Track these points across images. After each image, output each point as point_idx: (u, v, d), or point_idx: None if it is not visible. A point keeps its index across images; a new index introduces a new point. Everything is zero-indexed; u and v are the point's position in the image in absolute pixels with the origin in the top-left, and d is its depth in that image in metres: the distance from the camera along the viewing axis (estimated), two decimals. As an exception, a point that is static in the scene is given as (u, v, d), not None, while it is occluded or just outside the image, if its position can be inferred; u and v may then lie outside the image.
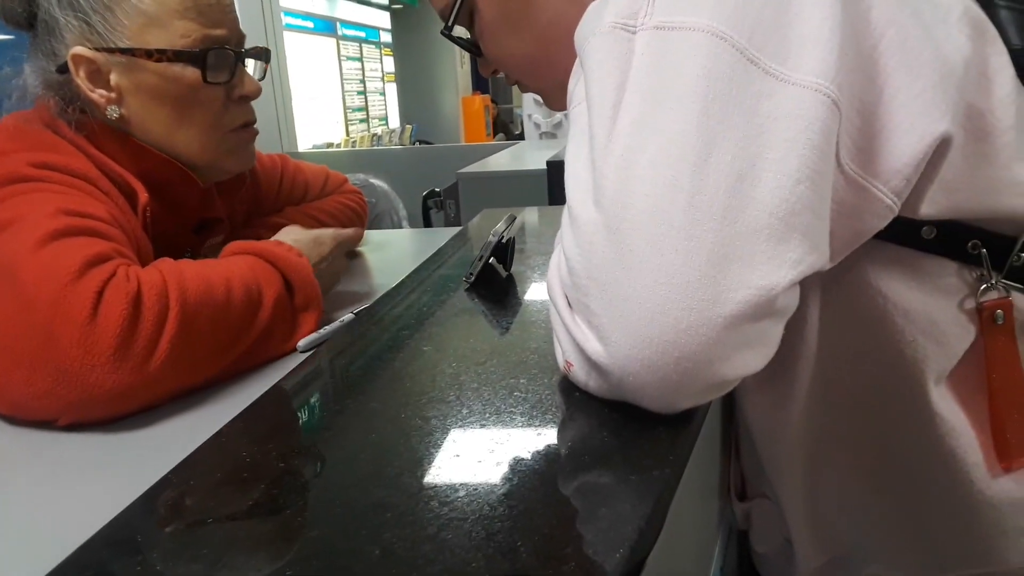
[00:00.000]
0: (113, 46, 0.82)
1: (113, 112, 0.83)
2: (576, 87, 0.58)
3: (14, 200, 0.70)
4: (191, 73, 0.84)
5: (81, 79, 0.82)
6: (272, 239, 0.87)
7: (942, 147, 0.52)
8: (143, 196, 0.83)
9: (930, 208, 0.55)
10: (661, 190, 0.46)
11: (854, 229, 0.53)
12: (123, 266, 0.66)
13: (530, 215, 1.45)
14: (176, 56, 0.83)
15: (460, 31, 0.79)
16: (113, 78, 0.83)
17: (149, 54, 0.82)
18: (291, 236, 0.90)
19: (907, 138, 0.52)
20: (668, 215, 0.46)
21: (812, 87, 0.47)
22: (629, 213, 0.47)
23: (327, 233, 0.94)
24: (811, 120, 0.47)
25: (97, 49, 0.81)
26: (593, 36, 0.53)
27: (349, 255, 1.25)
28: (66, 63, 0.82)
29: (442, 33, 0.78)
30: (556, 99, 0.78)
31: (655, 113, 0.48)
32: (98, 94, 0.83)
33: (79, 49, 0.81)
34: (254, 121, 0.94)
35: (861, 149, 0.52)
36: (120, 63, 0.83)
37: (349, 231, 0.99)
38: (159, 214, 0.85)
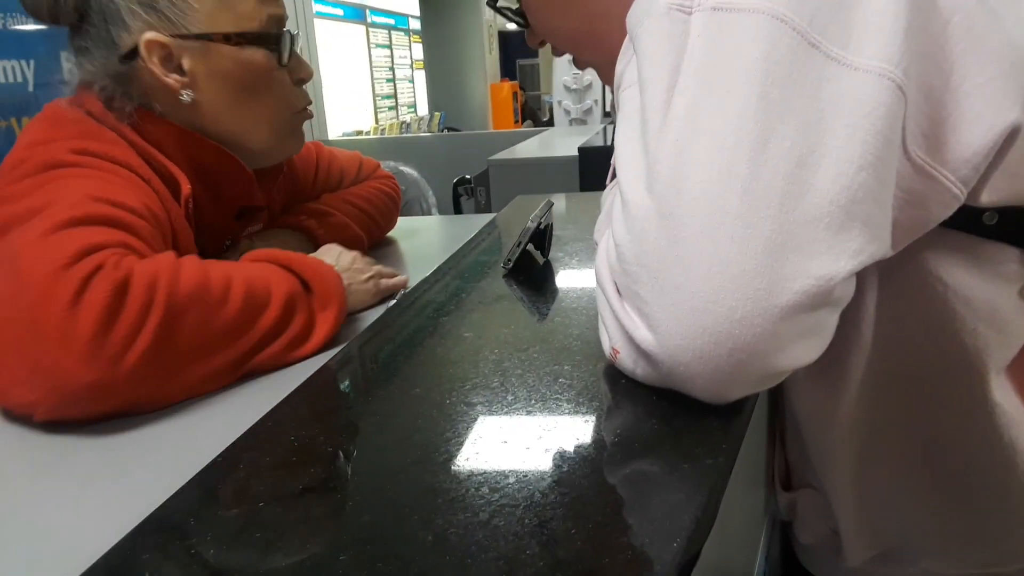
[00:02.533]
0: (186, 32, 0.81)
1: (187, 97, 0.83)
2: (626, 69, 0.57)
3: (50, 186, 0.70)
4: (261, 56, 0.85)
5: (155, 65, 0.81)
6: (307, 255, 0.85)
7: (1011, 136, 0.51)
8: (186, 186, 0.83)
9: (992, 195, 0.53)
10: (717, 176, 0.45)
11: (919, 218, 0.52)
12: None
13: (564, 201, 1.44)
14: (253, 39, 0.84)
15: (507, 2, 0.78)
16: (186, 63, 0.83)
17: (227, 38, 0.83)
18: (329, 255, 0.89)
19: (976, 127, 0.50)
20: (724, 202, 0.45)
21: (876, 72, 0.46)
22: (683, 200, 0.46)
23: (371, 269, 0.91)
24: (875, 106, 0.46)
25: (170, 35, 0.81)
26: (647, 17, 0.52)
27: (383, 243, 1.25)
28: (130, 51, 0.81)
29: (488, 4, 0.77)
30: (608, 72, 0.77)
31: (711, 97, 0.47)
32: (172, 79, 0.82)
33: (152, 35, 0.80)
34: (311, 103, 0.96)
35: (928, 136, 0.50)
36: (194, 48, 0.82)
37: (393, 281, 0.94)
38: (202, 202, 0.86)
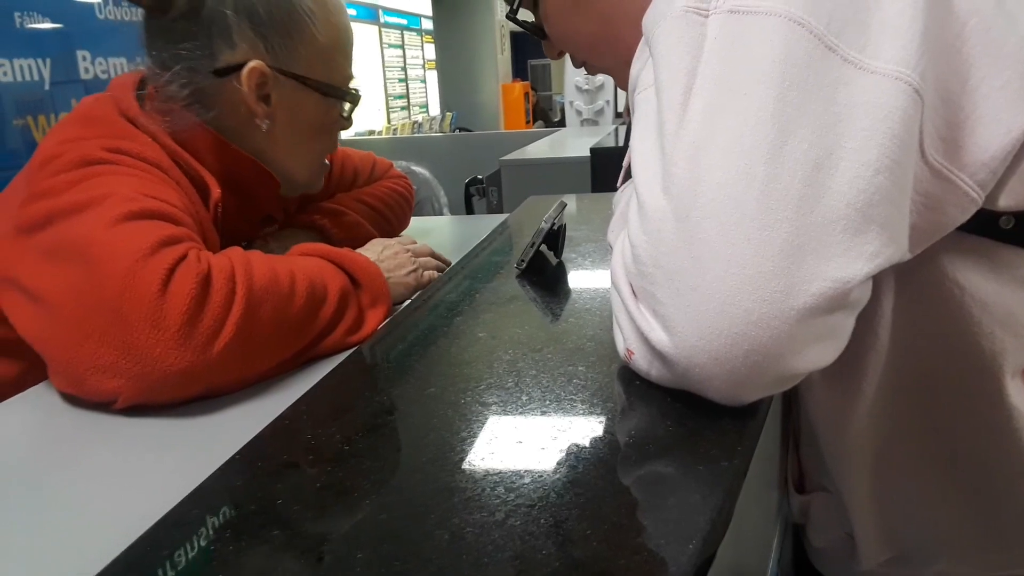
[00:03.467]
0: (287, 69, 0.85)
1: (264, 125, 0.86)
2: (642, 72, 0.57)
3: (90, 182, 0.71)
4: (336, 107, 0.91)
5: (250, 90, 0.83)
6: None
7: None
8: (216, 191, 0.84)
9: (1009, 199, 0.53)
10: (734, 178, 0.45)
11: (936, 222, 0.52)
12: (194, 249, 0.67)
13: (575, 202, 1.44)
14: (339, 94, 0.90)
15: (525, 14, 0.78)
16: (274, 96, 0.86)
17: (319, 86, 0.88)
18: (372, 249, 0.92)
19: (993, 130, 0.50)
20: (741, 204, 0.45)
21: (893, 75, 0.46)
22: (700, 201, 0.46)
23: (413, 263, 0.93)
24: (891, 109, 0.46)
25: (272, 68, 0.84)
26: (664, 20, 0.52)
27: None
28: (226, 68, 0.83)
29: (508, 17, 0.78)
30: (623, 78, 0.78)
31: (728, 99, 0.47)
32: (260, 107, 0.85)
33: (259, 64, 0.83)
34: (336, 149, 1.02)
35: (945, 140, 0.50)
36: (287, 84, 0.86)
37: (435, 273, 0.97)
38: (229, 209, 0.87)
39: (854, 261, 0.44)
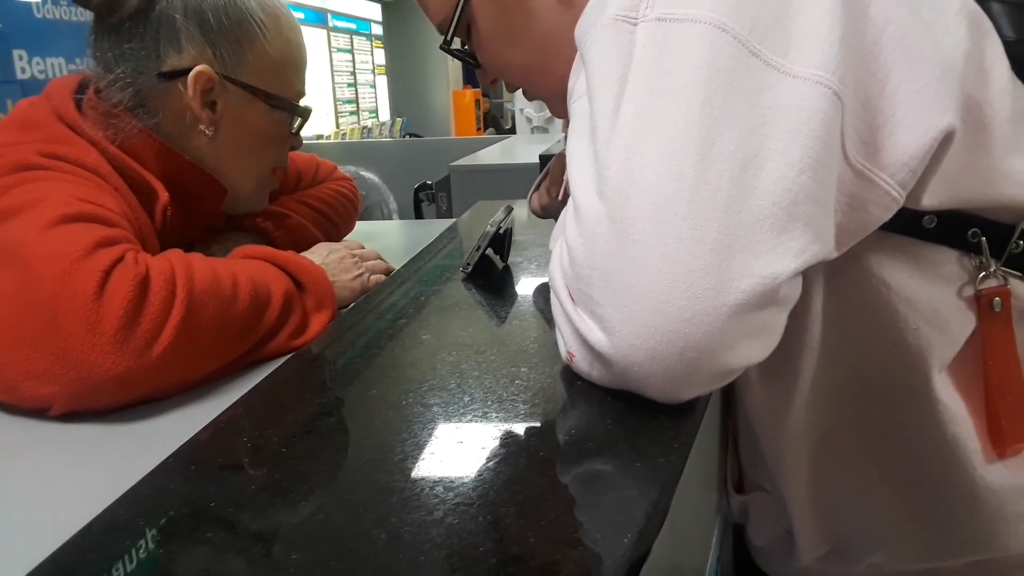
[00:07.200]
0: (235, 77, 0.85)
1: (207, 132, 0.86)
2: (577, 82, 0.58)
3: (24, 187, 0.69)
4: (284, 121, 0.92)
5: (195, 95, 0.83)
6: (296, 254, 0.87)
7: (946, 140, 0.53)
8: (163, 195, 0.83)
9: (932, 199, 0.56)
10: (664, 180, 0.46)
11: (860, 220, 0.54)
12: (132, 251, 0.65)
13: (524, 208, 1.45)
14: (288, 107, 0.90)
15: (458, 43, 0.79)
16: (220, 103, 0.85)
17: (269, 97, 0.88)
18: (318, 254, 0.91)
19: (912, 132, 0.52)
20: (672, 204, 0.46)
21: (813, 79, 0.48)
22: (633, 203, 0.47)
23: (358, 268, 0.93)
24: (813, 111, 0.47)
25: (220, 74, 0.84)
26: (594, 29, 0.53)
27: None
28: (172, 71, 0.82)
29: (441, 47, 0.79)
30: (558, 105, 0.79)
31: (657, 103, 0.49)
32: (205, 113, 0.84)
33: (205, 69, 0.82)
34: (287, 167, 1.02)
35: (866, 142, 0.52)
36: (233, 93, 0.86)
37: (381, 277, 0.96)
38: (174, 216, 0.85)
39: (781, 257, 0.46)
